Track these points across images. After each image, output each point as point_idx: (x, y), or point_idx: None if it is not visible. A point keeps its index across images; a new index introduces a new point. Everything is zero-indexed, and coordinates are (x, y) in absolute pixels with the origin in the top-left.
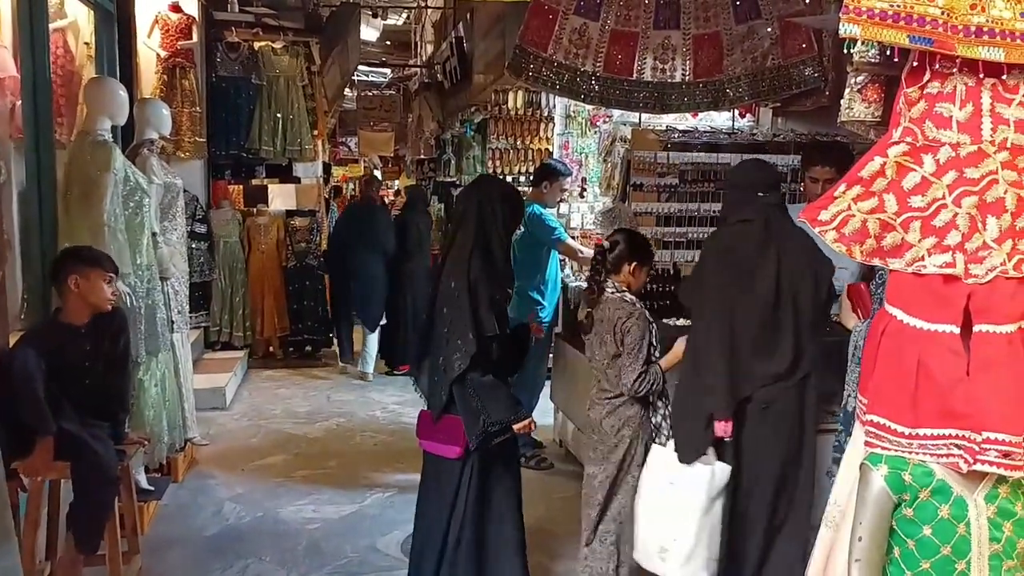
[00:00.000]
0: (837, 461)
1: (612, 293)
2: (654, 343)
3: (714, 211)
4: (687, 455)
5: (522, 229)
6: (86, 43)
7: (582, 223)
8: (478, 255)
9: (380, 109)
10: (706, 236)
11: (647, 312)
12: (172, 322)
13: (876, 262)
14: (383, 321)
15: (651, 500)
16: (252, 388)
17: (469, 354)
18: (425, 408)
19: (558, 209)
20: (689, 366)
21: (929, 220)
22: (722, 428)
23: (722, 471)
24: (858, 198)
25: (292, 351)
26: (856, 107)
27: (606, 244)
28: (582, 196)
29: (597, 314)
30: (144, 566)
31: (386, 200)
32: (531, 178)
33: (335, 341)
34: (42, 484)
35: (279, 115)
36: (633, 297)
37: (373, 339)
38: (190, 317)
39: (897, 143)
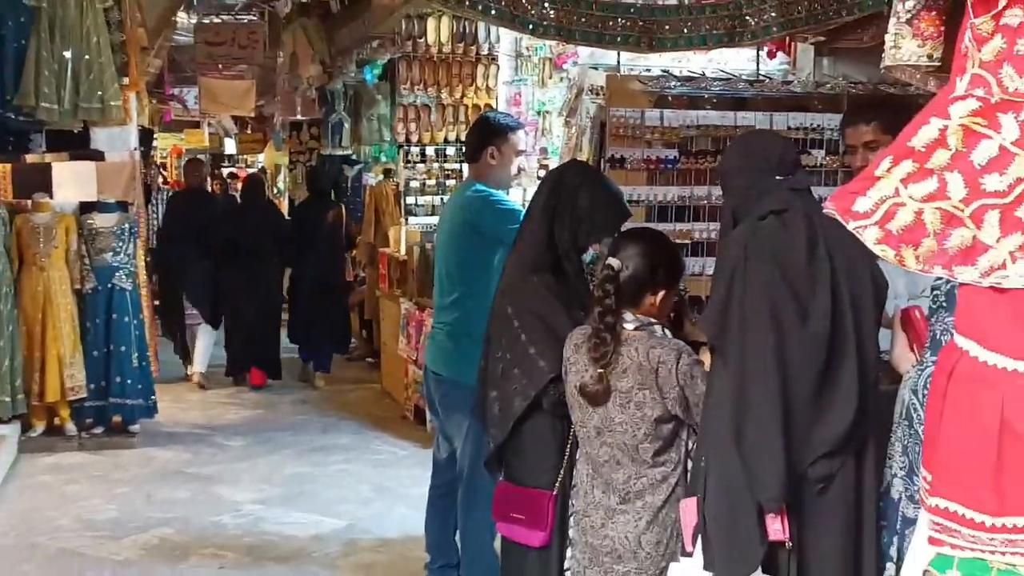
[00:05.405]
0: (880, 572)
1: (635, 328)
2: None
3: None
4: (734, 574)
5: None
6: None
7: None
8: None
9: (233, 44)
10: (721, 237)
11: None
12: None
13: (938, 271)
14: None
15: None
16: (25, 485)
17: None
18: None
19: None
20: (725, 435)
21: (1011, 209)
22: (777, 527)
23: None
24: (909, 179)
25: (91, 423)
26: (906, 46)
27: (615, 265)
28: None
29: (619, 368)
30: None
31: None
32: (464, 149)
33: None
34: None
35: (67, 53)
36: (666, 330)
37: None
38: None
39: (963, 98)
